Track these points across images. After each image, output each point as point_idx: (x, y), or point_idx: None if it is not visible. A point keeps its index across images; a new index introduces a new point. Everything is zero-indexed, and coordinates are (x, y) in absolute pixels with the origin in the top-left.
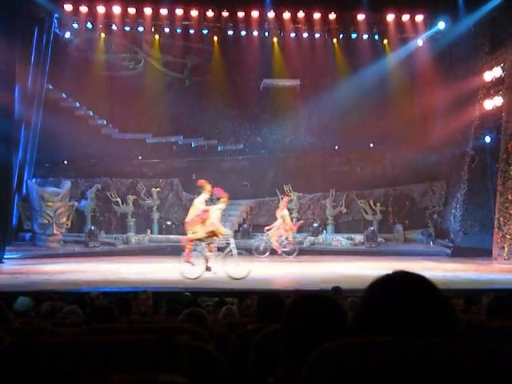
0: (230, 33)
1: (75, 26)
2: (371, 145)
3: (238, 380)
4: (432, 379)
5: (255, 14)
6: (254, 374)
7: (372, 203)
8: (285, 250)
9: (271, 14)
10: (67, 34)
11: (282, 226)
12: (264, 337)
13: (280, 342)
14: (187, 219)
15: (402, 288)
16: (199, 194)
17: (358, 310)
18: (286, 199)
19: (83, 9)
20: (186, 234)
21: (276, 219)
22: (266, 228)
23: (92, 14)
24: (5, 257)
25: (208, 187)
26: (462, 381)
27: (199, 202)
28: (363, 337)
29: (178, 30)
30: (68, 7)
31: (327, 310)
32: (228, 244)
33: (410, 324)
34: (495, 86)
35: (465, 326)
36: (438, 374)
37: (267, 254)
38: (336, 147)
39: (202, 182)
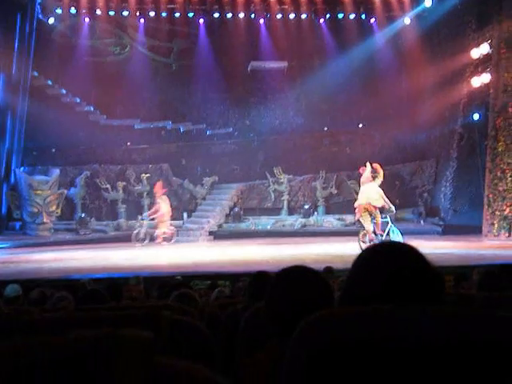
0: (216, 15)
1: (59, 11)
2: (360, 125)
3: (228, 357)
4: (426, 348)
5: None
6: (244, 351)
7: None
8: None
9: None
10: (51, 20)
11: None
12: (253, 314)
13: (266, 318)
14: (371, 202)
15: (388, 257)
16: (374, 178)
17: (346, 282)
18: (159, 184)
19: None
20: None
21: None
22: (148, 213)
23: None
24: None
25: (381, 171)
26: (456, 348)
27: (378, 187)
28: (350, 307)
29: (163, 14)
30: None
31: (310, 283)
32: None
33: (397, 293)
34: (483, 63)
35: (455, 298)
36: (433, 341)
37: (146, 241)
38: (325, 128)
39: (376, 165)
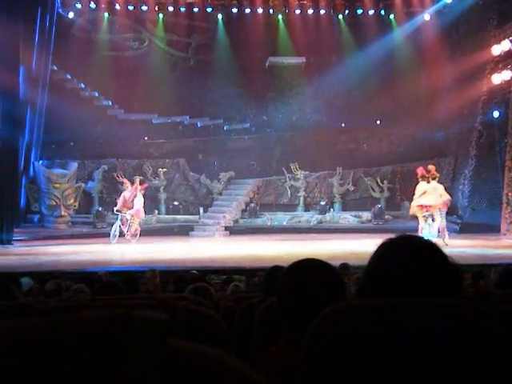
0: (235, 10)
1: (78, 5)
2: (378, 122)
3: (243, 350)
4: (442, 342)
5: None
6: (259, 344)
7: (379, 180)
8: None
9: None
10: (71, 14)
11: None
12: (268, 307)
13: (278, 312)
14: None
15: (406, 251)
16: (433, 179)
17: (363, 276)
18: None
19: None
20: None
21: None
22: (130, 212)
23: None
24: (13, 238)
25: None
26: (472, 343)
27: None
28: (367, 301)
29: (182, 9)
30: None
31: (321, 276)
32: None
33: (415, 288)
34: (503, 60)
35: (473, 295)
36: (450, 336)
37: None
38: (342, 125)
39: (431, 167)
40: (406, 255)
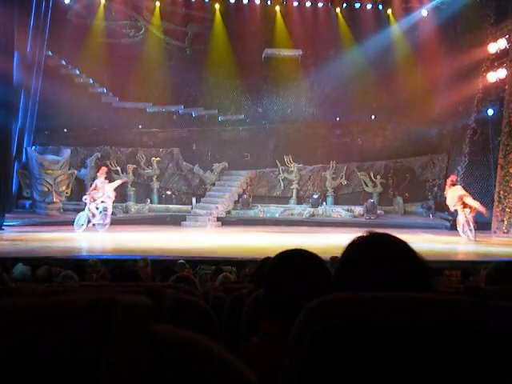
0: (232, 1)
1: None
2: (373, 117)
3: (232, 340)
4: (428, 334)
5: None
6: (247, 334)
7: (372, 175)
8: None
9: None
10: (67, 0)
11: None
12: (256, 298)
13: (264, 304)
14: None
15: (371, 247)
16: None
17: (335, 271)
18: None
19: None
20: None
21: None
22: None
23: None
24: (4, 224)
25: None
26: (455, 335)
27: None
28: (352, 293)
29: None
30: None
31: (308, 268)
32: None
33: (383, 282)
34: (499, 58)
35: (462, 290)
36: (435, 328)
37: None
38: (337, 119)
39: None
40: (371, 251)
